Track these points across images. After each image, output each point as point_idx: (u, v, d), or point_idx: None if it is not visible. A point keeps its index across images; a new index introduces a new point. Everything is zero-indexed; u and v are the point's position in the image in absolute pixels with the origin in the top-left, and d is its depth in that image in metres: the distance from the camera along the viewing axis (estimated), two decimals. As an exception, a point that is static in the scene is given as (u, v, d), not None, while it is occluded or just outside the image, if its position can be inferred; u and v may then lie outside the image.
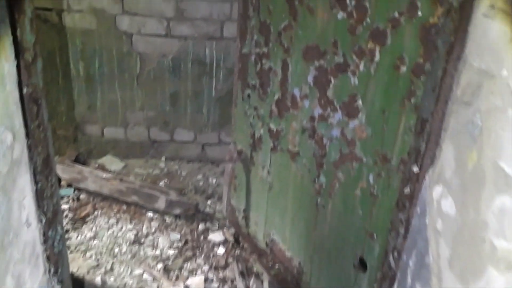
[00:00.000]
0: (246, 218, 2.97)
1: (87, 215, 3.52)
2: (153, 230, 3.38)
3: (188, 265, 3.05)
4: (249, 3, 2.41)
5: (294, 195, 2.37)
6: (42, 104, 1.36)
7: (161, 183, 3.93)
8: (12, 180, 1.17)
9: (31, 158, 1.28)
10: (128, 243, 3.22)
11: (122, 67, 3.75)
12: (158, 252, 3.15)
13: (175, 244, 3.23)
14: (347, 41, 1.81)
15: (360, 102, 1.80)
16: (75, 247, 3.13)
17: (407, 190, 1.50)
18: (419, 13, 1.48)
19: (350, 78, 1.83)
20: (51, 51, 3.68)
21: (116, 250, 3.15)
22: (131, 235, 3.29)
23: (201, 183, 3.99)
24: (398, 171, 1.66)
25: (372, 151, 1.79)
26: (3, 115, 1.10)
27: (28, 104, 1.25)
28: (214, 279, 2.96)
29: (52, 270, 1.46)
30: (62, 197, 3.67)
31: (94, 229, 3.35)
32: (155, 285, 2.89)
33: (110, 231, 3.33)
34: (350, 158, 1.91)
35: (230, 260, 3.07)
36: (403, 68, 1.58)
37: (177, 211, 3.49)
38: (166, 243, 3.24)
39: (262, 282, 2.83)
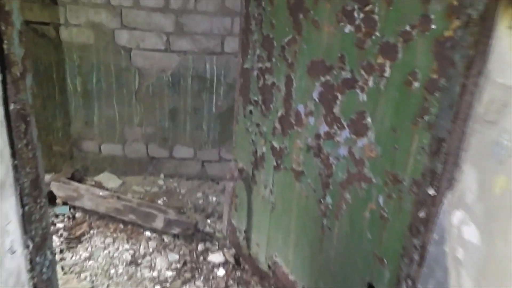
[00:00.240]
0: (248, 239, 2.86)
1: (83, 234, 3.41)
2: (150, 250, 3.27)
3: (187, 288, 2.94)
4: (251, 17, 2.34)
5: (298, 216, 2.27)
6: (32, 121, 1.27)
7: (160, 201, 3.83)
8: (-5, 204, 1.08)
9: (17, 179, 1.18)
10: (124, 264, 3.10)
11: (120, 83, 3.67)
12: (155, 273, 3.03)
13: (173, 265, 3.12)
14: (354, 55, 1.73)
15: (369, 119, 1.72)
16: (69, 268, 3.01)
17: (421, 214, 1.41)
18: (433, 26, 1.40)
19: (358, 95, 1.74)
20: (48, 66, 3.61)
21: (112, 271, 3.03)
22: (128, 256, 3.17)
23: (200, 201, 3.89)
24: (410, 193, 1.56)
25: (382, 171, 1.69)
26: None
27: (15, 122, 1.16)
28: (214, 303, 2.84)
29: (40, 299, 1.35)
30: (57, 216, 3.57)
31: (89, 249, 3.24)
32: (152, 309, 2.78)
33: (106, 251, 3.21)
34: (358, 178, 1.82)
35: (230, 282, 2.96)
36: (416, 84, 1.49)
37: (176, 230, 3.38)
38: (164, 264, 3.13)
39: (263, 306, 2.71)
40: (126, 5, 3.43)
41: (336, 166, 1.93)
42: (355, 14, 1.69)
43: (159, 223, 3.38)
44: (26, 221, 1.23)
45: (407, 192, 1.58)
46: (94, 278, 2.97)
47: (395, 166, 1.63)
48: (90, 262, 3.10)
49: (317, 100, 1.99)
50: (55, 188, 3.65)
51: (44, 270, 1.36)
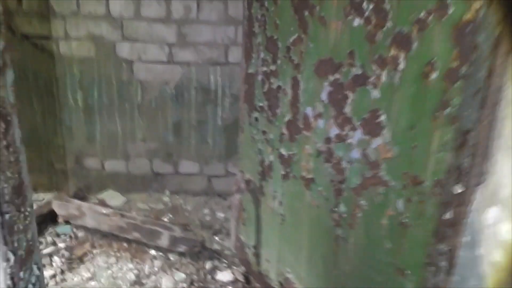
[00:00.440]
0: (257, 255, 2.71)
1: (85, 254, 3.28)
2: (156, 269, 3.12)
3: (194, 308, 2.79)
4: (254, 19, 2.23)
5: (310, 228, 2.13)
6: (13, 122, 1.16)
7: (165, 219, 3.70)
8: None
9: (-5, 185, 1.06)
10: (128, 285, 2.96)
11: (122, 96, 3.58)
12: (161, 294, 2.90)
13: (180, 285, 2.97)
14: (365, 50, 1.61)
15: (383, 117, 1.59)
16: (71, 290, 2.88)
17: (447, 215, 1.27)
18: (450, 10, 1.28)
19: (371, 92, 1.61)
20: (48, 81, 3.53)
21: (115, 292, 2.90)
22: (132, 276, 3.03)
23: (207, 218, 3.76)
24: (433, 195, 1.42)
25: (400, 173, 1.56)
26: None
27: (-8, 121, 1.05)
28: (223, 324, 2.69)
29: (26, 320, 1.22)
30: (58, 235, 3.44)
31: (92, 269, 3.10)
32: (157, 331, 2.63)
33: (109, 271, 3.08)
34: (374, 183, 1.68)
35: (240, 301, 2.81)
36: (433, 75, 1.36)
37: (182, 248, 3.24)
38: (170, 284, 2.98)
39: (275, 325, 2.55)
40: (126, 16, 3.36)
41: (349, 170, 1.80)
42: (364, 6, 1.57)
43: (164, 241, 3.25)
44: (7, 231, 1.10)
45: (429, 194, 1.44)
46: (96, 299, 2.83)
47: (414, 166, 1.49)
48: (93, 283, 2.97)
49: (326, 101, 1.86)
50: (56, 206, 3.54)
51: (30, 287, 1.23)
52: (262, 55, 2.25)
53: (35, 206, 3.81)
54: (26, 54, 3.43)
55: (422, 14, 1.37)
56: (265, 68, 2.24)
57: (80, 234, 3.47)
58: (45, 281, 2.95)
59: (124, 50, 3.46)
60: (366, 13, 1.58)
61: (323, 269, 2.08)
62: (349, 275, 1.91)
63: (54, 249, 3.31)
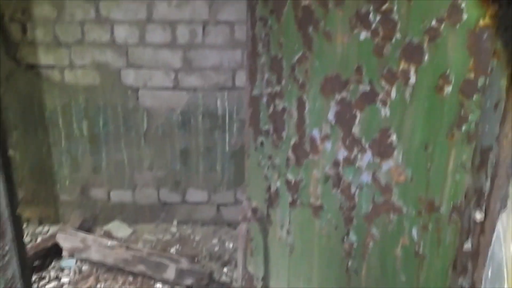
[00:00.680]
0: (266, 287, 2.55)
1: (89, 288, 3.16)
2: (161, 304, 2.99)
3: None
4: (258, 39, 2.14)
5: (320, 259, 1.98)
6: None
7: (173, 250, 3.57)
8: None
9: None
10: (132, 321, 2.82)
11: (128, 124, 3.51)
12: (166, 330, 2.74)
13: (185, 320, 2.82)
14: (373, 64, 1.50)
15: (394, 137, 1.46)
16: (72, 328, 2.75)
17: (467, 245, 1.12)
18: (464, 16, 1.16)
19: (380, 109, 1.49)
20: (52, 111, 3.48)
21: (118, 329, 2.75)
22: (136, 311, 2.90)
23: (216, 248, 3.61)
24: (450, 222, 1.28)
25: (414, 198, 1.42)
26: None
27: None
28: None
29: None
30: (62, 269, 3.33)
31: (95, 305, 2.97)
32: None
33: (112, 307, 2.94)
34: (386, 209, 1.54)
35: (248, 338, 2.64)
36: (448, 89, 1.24)
37: (189, 281, 3.11)
38: (175, 319, 2.83)
39: None
40: (131, 42, 3.31)
41: (359, 196, 1.66)
42: (371, 17, 1.46)
43: (170, 274, 3.12)
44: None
45: (446, 221, 1.30)
46: (98, 337, 2.69)
47: (429, 190, 1.36)
48: (95, 319, 2.84)
49: (333, 121, 1.74)
50: (61, 239, 3.44)
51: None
52: (266, 76, 2.15)
53: (39, 239, 3.71)
54: (31, 84, 3.39)
55: (433, 22, 1.26)
56: (269, 90, 2.13)
57: (85, 267, 3.35)
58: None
59: (129, 77, 3.40)
60: (373, 25, 1.47)
61: (335, 304, 1.93)
62: (362, 311, 1.75)
63: (57, 284, 3.20)
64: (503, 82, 0.98)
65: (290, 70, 1.94)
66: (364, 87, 1.55)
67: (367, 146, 1.58)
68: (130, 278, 3.24)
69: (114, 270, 3.29)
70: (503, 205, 0.96)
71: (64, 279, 3.23)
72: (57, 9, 3.25)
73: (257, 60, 2.19)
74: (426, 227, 1.39)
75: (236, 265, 3.34)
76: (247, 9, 2.22)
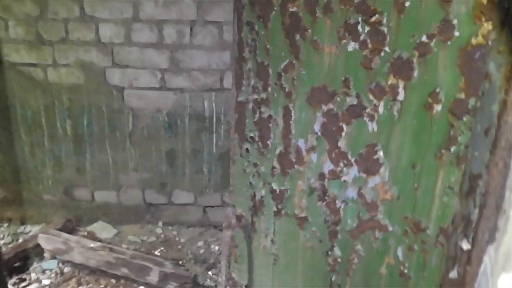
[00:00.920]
0: (250, 295, 2.51)
1: (70, 292, 3.09)
2: (143, 309, 2.93)
3: None
4: (245, 43, 2.08)
5: (304, 271, 1.94)
6: None
7: (157, 252, 3.51)
8: None
9: None
10: (113, 327, 2.76)
11: (113, 125, 3.44)
12: (147, 337, 2.69)
13: (168, 327, 2.77)
14: (361, 77, 1.45)
15: (381, 153, 1.41)
16: (51, 333, 2.68)
17: (453, 274, 1.08)
18: (456, 33, 1.12)
19: (367, 124, 1.45)
20: (36, 110, 3.40)
21: (99, 335, 2.69)
22: (117, 316, 2.84)
23: (201, 251, 3.57)
24: (437, 245, 1.24)
25: (400, 217, 1.37)
26: None
27: None
28: None
29: None
30: (44, 272, 3.26)
31: (75, 309, 2.91)
32: None
33: (93, 312, 2.88)
34: (371, 226, 1.50)
35: None
36: (438, 108, 1.19)
37: (173, 285, 3.05)
38: (158, 325, 2.78)
39: None
40: (117, 41, 3.24)
41: (344, 211, 1.62)
42: (359, 28, 1.41)
43: (154, 277, 3.06)
44: None
45: (433, 243, 1.26)
46: None
47: (415, 211, 1.31)
48: (75, 325, 2.78)
49: (319, 133, 1.69)
50: (42, 240, 3.37)
51: None
52: (252, 82, 2.09)
53: (21, 240, 3.64)
54: (12, 83, 3.31)
55: (423, 38, 1.21)
56: (256, 96, 2.07)
57: (67, 269, 3.29)
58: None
59: (115, 76, 3.33)
60: (362, 37, 1.42)
61: (318, 318, 1.88)
62: (346, 328, 1.71)
63: (38, 287, 3.12)
64: (495, 107, 0.94)
65: (277, 77, 1.89)
66: (351, 100, 1.50)
67: (353, 160, 1.54)
68: (113, 281, 3.17)
69: (96, 272, 3.22)
70: (491, 238, 0.92)
71: (45, 282, 3.17)
72: (40, 7, 3.16)
73: (243, 65, 2.14)
74: (411, 248, 1.35)
75: (221, 269, 3.30)
76: (233, 12, 2.16)
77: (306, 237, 1.87)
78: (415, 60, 1.24)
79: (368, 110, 1.44)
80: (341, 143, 1.58)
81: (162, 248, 3.55)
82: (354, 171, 1.54)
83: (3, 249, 3.45)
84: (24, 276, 3.25)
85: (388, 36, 1.32)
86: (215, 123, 3.45)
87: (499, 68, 0.95)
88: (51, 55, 3.26)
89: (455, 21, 1.11)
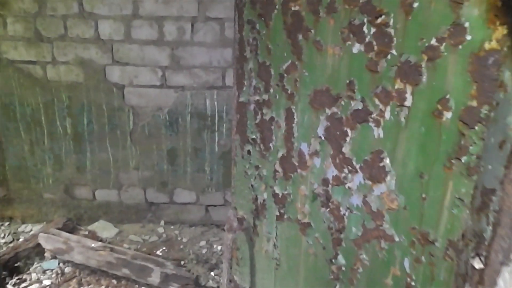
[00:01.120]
0: (251, 299, 2.46)
1: (71, 292, 3.06)
2: (144, 310, 2.89)
3: None
4: (246, 42, 2.02)
5: (307, 277, 1.89)
6: None
7: (159, 252, 3.47)
8: None
9: None
10: (114, 329, 2.73)
11: (113, 123, 3.38)
12: None
13: (169, 329, 2.73)
14: (366, 81, 1.39)
15: (387, 161, 1.35)
16: (50, 336, 2.65)
17: (464, 292, 1.02)
18: (468, 37, 1.05)
19: (373, 130, 1.38)
20: (35, 108, 3.35)
21: (99, 338, 2.66)
22: (118, 318, 2.80)
23: (204, 251, 3.52)
24: (445, 259, 1.18)
25: (406, 228, 1.32)
26: None
27: None
28: None
29: None
30: (44, 271, 3.23)
31: (76, 311, 2.87)
32: None
33: (94, 314, 2.85)
34: (376, 235, 1.44)
35: None
36: (448, 115, 1.13)
37: (174, 286, 3.01)
38: (159, 327, 2.74)
39: None
40: (117, 38, 3.17)
41: (348, 218, 1.56)
42: (365, 29, 1.35)
43: (155, 279, 3.02)
44: None
45: (441, 256, 1.20)
46: None
47: (423, 221, 1.25)
48: (75, 327, 2.74)
49: (323, 137, 1.63)
50: (43, 240, 3.33)
51: None
52: (254, 82, 2.03)
53: (21, 239, 3.60)
54: (11, 80, 3.26)
55: (433, 41, 1.15)
56: (257, 97, 2.01)
57: (67, 269, 3.25)
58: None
59: (115, 74, 3.27)
60: (367, 38, 1.36)
61: (321, 326, 1.83)
62: None
63: (38, 287, 3.09)
64: (510, 119, 0.88)
65: (279, 78, 1.83)
66: (356, 104, 1.44)
67: (358, 167, 1.48)
68: (114, 282, 3.14)
69: (97, 272, 3.18)
70: (506, 259, 0.86)
71: (46, 282, 3.13)
72: (38, 3, 3.11)
73: (245, 65, 2.08)
74: (419, 260, 1.29)
75: (222, 272, 3.25)
76: (234, 10, 2.10)
77: (309, 243, 1.82)
78: (423, 64, 1.18)
79: (373, 115, 1.37)
80: (346, 149, 1.52)
81: (164, 248, 3.50)
82: (359, 178, 1.48)
83: (4, 248, 3.41)
84: (24, 276, 3.21)
85: (395, 39, 1.26)
86: (217, 121, 3.39)
87: (515, 76, 0.88)
88: (50, 52, 3.21)
89: (466, 24, 1.05)
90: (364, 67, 1.38)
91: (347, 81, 1.46)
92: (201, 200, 3.68)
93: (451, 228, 1.15)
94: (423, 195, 1.24)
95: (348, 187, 1.53)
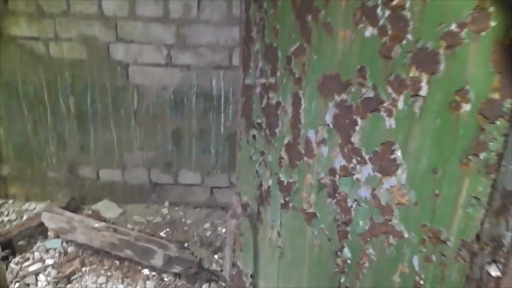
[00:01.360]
0: (255, 285, 2.42)
1: (73, 272, 3.05)
2: (147, 292, 2.87)
3: None
4: (252, 22, 1.93)
5: (311, 269, 1.83)
6: None
7: (163, 233, 3.44)
8: None
9: None
10: (116, 310, 2.71)
11: (117, 103, 3.32)
12: (150, 321, 2.64)
13: (171, 311, 2.71)
14: (378, 67, 1.30)
15: (398, 153, 1.27)
16: (53, 316, 2.64)
17: (478, 298, 0.95)
18: (492, 23, 0.96)
19: (385, 120, 1.30)
20: (38, 86, 3.29)
21: (101, 319, 2.65)
22: (121, 299, 2.78)
23: (208, 233, 3.48)
24: (457, 259, 1.11)
25: (417, 225, 1.24)
26: None
27: None
28: None
29: None
30: (47, 250, 3.21)
31: (78, 291, 2.86)
32: None
33: (97, 294, 2.83)
34: (385, 230, 1.37)
35: (236, 335, 2.53)
36: (466, 107, 1.05)
37: (177, 269, 2.98)
38: (161, 309, 2.72)
39: None
40: (121, 15, 3.09)
41: (355, 211, 1.49)
42: (379, 12, 1.26)
43: (158, 261, 2.99)
44: None
45: (453, 256, 1.13)
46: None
47: (435, 219, 1.18)
48: (77, 307, 2.73)
49: (331, 125, 1.55)
50: (46, 219, 3.31)
51: None
52: (260, 65, 1.95)
53: (25, 217, 3.59)
54: (13, 57, 3.19)
55: (452, 27, 1.06)
56: (263, 80, 1.93)
57: (70, 249, 3.23)
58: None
59: (119, 52, 3.19)
60: (381, 22, 1.27)
61: (325, 318, 1.78)
62: (354, 335, 1.61)
63: (41, 266, 3.08)
64: (537, 115, 0.79)
65: (286, 61, 1.75)
66: (368, 92, 1.36)
67: (367, 158, 1.40)
68: (117, 262, 3.11)
69: (100, 253, 3.16)
70: (528, 270, 0.79)
71: (48, 261, 3.12)
72: (40, -23, 3.02)
73: (251, 46, 1.99)
74: (429, 259, 1.22)
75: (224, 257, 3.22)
76: (241, -12, 2.01)
77: (314, 234, 1.76)
78: (441, 51, 1.09)
79: (385, 104, 1.29)
80: (355, 138, 1.44)
81: (167, 229, 3.47)
82: (368, 169, 1.40)
83: (8, 226, 3.40)
84: (27, 254, 3.20)
85: (411, 23, 1.16)
86: (223, 102, 3.31)
87: (545, 70, 0.80)
88: (53, 29, 3.13)
89: (491, 9, 0.96)
90: (377, 52, 1.29)
91: (358, 67, 1.38)
92: (206, 182, 3.63)
93: (465, 228, 1.08)
94: (436, 192, 1.16)
95: (356, 178, 1.46)
